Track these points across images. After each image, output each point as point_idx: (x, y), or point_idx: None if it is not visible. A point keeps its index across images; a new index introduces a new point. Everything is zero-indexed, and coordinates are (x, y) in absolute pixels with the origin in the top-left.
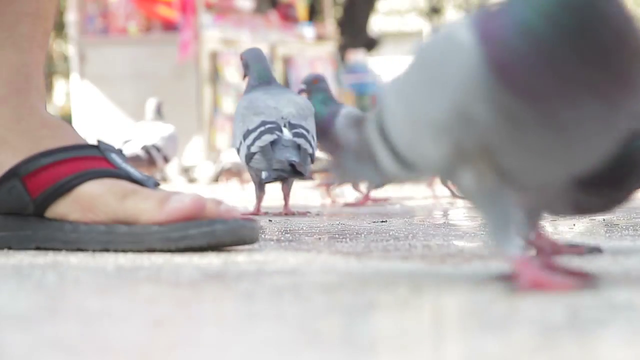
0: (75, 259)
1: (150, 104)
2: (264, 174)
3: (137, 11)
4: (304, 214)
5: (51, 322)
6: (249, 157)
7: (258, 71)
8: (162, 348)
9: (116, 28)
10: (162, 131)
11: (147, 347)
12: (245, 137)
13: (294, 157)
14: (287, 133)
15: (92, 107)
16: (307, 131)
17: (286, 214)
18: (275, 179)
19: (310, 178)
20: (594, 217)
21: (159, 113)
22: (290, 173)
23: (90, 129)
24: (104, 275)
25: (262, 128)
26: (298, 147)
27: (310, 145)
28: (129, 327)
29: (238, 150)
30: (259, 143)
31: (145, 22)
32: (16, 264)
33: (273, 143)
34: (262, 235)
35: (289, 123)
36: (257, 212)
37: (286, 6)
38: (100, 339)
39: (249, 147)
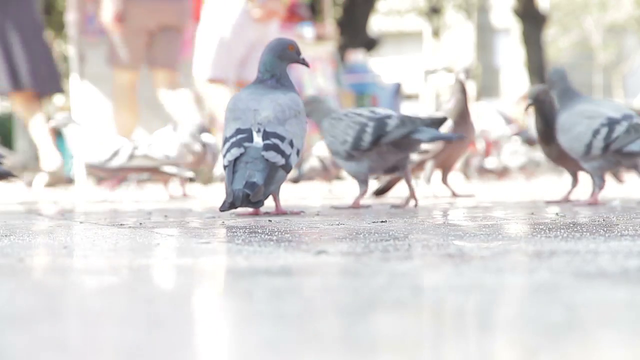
0: (75, 260)
1: None
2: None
3: None
4: (297, 213)
5: (51, 322)
6: (224, 167)
7: (264, 63)
8: (162, 348)
9: None
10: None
11: (147, 347)
12: (223, 143)
13: (252, 179)
14: (258, 140)
15: (91, 107)
16: (283, 138)
17: (277, 214)
18: (229, 209)
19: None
20: (593, 216)
21: None
22: (243, 203)
23: (89, 128)
24: (104, 275)
25: (234, 139)
26: (266, 161)
27: (283, 155)
28: (129, 327)
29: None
30: (228, 157)
31: None
32: (16, 264)
33: (238, 158)
34: (262, 235)
35: (264, 130)
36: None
37: (294, 5)
38: (100, 339)
39: (224, 156)
